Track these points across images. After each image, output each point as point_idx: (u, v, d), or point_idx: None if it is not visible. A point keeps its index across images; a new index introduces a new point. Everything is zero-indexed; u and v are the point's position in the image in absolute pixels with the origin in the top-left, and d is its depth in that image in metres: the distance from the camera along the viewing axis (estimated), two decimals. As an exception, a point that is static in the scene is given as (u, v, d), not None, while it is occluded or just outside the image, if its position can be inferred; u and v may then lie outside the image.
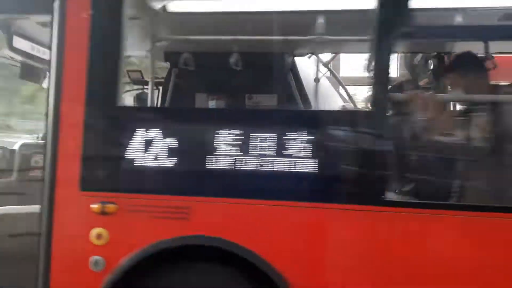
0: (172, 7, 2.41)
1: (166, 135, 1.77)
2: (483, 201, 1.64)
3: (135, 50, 2.78)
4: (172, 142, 1.76)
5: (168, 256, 1.78)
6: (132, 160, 1.79)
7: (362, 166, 1.64)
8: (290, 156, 1.68)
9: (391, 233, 1.61)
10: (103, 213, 1.79)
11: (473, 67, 1.90)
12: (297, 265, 1.67)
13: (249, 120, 1.82)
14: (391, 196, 1.63)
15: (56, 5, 1.86)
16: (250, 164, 1.71)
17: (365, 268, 1.62)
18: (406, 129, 1.79)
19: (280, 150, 1.69)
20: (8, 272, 2.03)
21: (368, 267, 1.61)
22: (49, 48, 1.88)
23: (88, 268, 1.79)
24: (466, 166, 1.77)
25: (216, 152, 1.73)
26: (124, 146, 1.79)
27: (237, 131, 1.73)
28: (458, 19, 1.85)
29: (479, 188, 1.74)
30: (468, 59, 1.94)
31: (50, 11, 1.87)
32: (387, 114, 1.63)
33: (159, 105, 3.18)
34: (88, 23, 1.84)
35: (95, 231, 1.79)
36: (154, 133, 1.78)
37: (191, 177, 1.78)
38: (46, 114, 1.87)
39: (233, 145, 1.72)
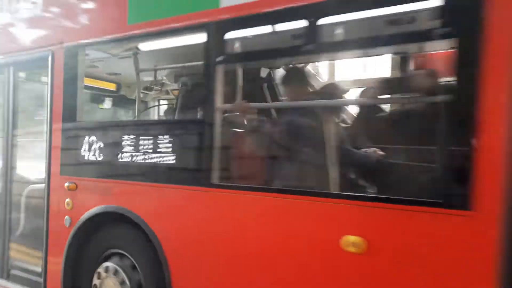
0: (144, 48, 3.27)
1: (97, 140, 2.72)
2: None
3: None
4: (100, 144, 2.70)
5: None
6: (82, 156, 2.80)
7: (198, 159, 2.28)
8: (160, 152, 2.42)
9: (212, 205, 2.21)
10: (69, 189, 2.85)
11: (294, 80, 2.24)
12: (159, 222, 2.42)
13: (138, 129, 2.60)
14: (216, 180, 2.21)
15: (49, 58, 2.99)
16: (139, 158, 2.52)
17: (192, 224, 2.28)
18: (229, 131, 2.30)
19: (155, 148, 2.45)
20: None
21: (196, 225, 2.26)
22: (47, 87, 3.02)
23: (64, 224, 2.87)
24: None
25: (121, 150, 2.60)
26: (78, 147, 2.81)
27: (132, 136, 2.56)
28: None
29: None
30: (290, 73, 2.28)
31: (46, 64, 3.00)
32: (214, 121, 2.21)
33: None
34: (63, 70, 2.92)
35: (66, 200, 2.86)
36: (92, 139, 2.75)
37: (111, 167, 2.68)
38: (46, 130, 3.02)
39: (129, 146, 2.56)
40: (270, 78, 3.37)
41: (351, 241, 1.80)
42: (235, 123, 2.34)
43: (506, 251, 1.49)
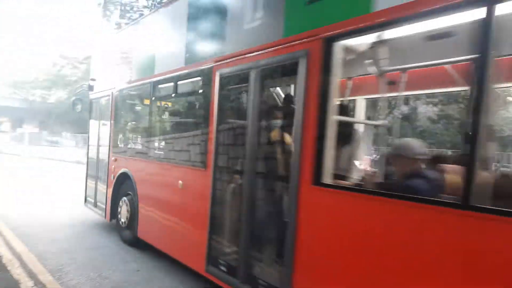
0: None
1: (121, 135, 5.55)
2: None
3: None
4: (121, 138, 5.53)
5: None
6: (117, 144, 5.68)
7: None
8: (137, 142, 5.08)
9: (150, 166, 4.74)
10: (114, 160, 5.77)
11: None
12: (135, 173, 5.05)
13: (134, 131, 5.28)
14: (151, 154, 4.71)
15: (110, 96, 6.00)
16: (131, 145, 5.22)
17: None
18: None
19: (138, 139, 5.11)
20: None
21: (143, 173, 4.82)
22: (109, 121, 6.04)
23: (111, 179, 5.81)
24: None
25: (127, 140, 5.35)
26: (117, 139, 5.71)
27: (130, 135, 5.27)
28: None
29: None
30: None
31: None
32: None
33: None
34: (115, 101, 5.88)
35: (112, 166, 5.79)
36: (120, 135, 5.60)
37: (125, 149, 5.45)
38: (109, 140, 6.05)
39: (130, 139, 5.28)
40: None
41: (180, 183, 4.04)
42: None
43: (212, 184, 3.54)
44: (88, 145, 7.04)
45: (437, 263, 1.92)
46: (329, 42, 2.43)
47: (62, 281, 3.63)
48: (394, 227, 2.14)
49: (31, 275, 3.71)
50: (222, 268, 3.34)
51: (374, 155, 4.04)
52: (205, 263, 3.52)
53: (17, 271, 3.79)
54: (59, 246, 4.81)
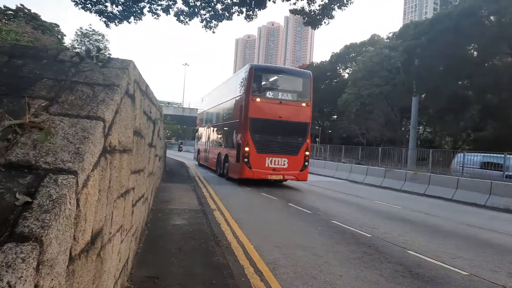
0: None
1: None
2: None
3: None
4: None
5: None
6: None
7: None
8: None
9: None
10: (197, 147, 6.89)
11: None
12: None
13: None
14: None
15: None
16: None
17: None
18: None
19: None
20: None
21: None
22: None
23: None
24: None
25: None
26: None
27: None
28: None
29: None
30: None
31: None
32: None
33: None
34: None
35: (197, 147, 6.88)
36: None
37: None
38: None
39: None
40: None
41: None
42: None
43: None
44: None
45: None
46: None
47: (276, 272, 4.05)
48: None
49: (252, 263, 4.30)
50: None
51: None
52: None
53: (241, 258, 4.46)
54: (271, 240, 5.39)
